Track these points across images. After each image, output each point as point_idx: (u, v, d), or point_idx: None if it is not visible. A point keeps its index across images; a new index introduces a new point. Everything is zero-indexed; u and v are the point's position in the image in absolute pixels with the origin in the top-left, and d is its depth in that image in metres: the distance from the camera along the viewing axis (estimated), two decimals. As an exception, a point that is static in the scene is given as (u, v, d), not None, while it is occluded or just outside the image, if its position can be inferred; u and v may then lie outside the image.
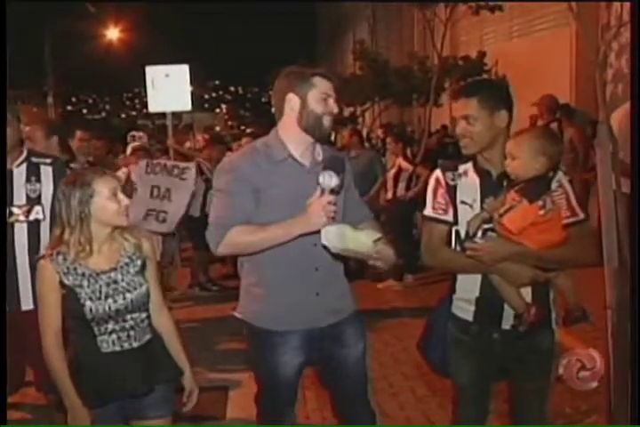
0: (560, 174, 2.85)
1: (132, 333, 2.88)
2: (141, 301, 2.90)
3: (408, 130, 15.07)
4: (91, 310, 2.79)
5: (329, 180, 2.75)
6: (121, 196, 2.86)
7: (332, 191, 2.77)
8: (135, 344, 2.88)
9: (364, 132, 15.26)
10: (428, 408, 4.53)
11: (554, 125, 7.68)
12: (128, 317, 2.87)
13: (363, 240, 2.76)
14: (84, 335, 2.84)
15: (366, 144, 12.77)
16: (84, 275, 2.81)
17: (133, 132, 10.59)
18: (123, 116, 68.94)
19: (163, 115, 9.38)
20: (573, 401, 4.13)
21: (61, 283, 2.79)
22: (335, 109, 2.97)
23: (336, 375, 3.17)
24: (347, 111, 18.85)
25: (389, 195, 8.29)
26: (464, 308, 2.98)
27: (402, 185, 8.22)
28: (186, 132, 9.35)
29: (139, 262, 2.93)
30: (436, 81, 11.39)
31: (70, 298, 2.79)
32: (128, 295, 2.86)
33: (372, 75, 14.85)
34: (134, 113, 73.41)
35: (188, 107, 8.90)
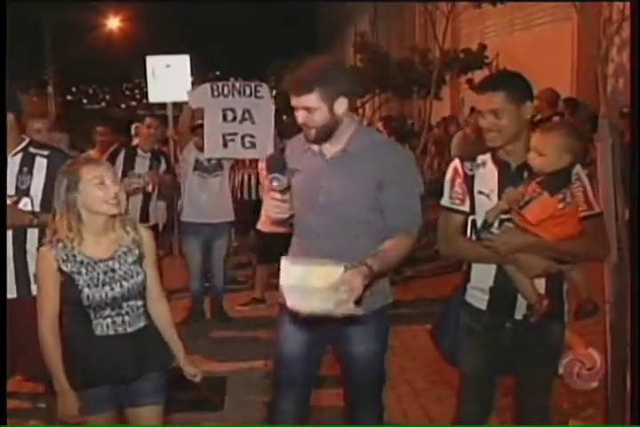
0: (578, 167, 2.86)
1: (126, 318, 2.95)
2: (137, 289, 2.96)
3: (408, 122, 15.04)
4: (88, 296, 2.86)
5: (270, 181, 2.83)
6: (109, 183, 2.88)
7: (275, 190, 2.84)
8: (129, 329, 2.96)
9: (364, 124, 15.21)
10: (426, 401, 4.55)
11: (557, 119, 7.66)
12: (124, 304, 2.94)
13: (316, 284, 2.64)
14: (79, 319, 2.91)
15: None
16: (82, 262, 2.88)
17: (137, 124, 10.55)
18: (122, 106, 68.78)
19: (163, 105, 9.35)
20: (569, 395, 4.14)
21: (60, 269, 2.86)
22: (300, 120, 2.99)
23: (344, 368, 3.19)
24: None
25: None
26: (478, 297, 3.01)
27: None
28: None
29: (136, 252, 2.99)
30: (437, 74, 11.37)
31: (68, 284, 2.86)
32: (125, 284, 2.92)
33: (373, 67, 14.80)
34: (134, 103, 73.22)
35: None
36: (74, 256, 2.87)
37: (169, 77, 8.58)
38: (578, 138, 2.84)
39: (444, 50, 11.48)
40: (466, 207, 2.98)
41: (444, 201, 3.05)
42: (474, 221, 2.97)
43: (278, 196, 2.84)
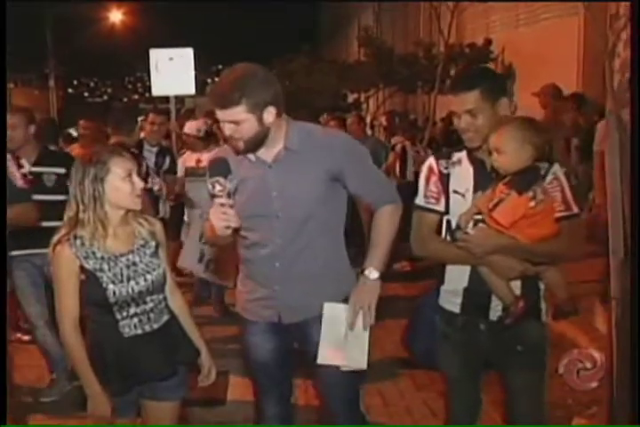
0: (556, 166, 2.81)
1: (151, 315, 2.89)
2: (160, 281, 2.92)
3: (411, 117, 15.03)
4: (114, 293, 2.78)
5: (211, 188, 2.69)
6: (136, 179, 2.82)
7: (217, 195, 2.70)
8: (155, 326, 2.90)
9: (368, 120, 15.21)
10: (429, 397, 4.56)
11: (568, 116, 7.62)
12: (148, 298, 2.87)
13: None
14: (104, 321, 2.82)
15: (369, 131, 12.76)
16: (103, 258, 2.79)
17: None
18: (125, 99, 68.68)
19: (165, 99, 9.36)
20: (573, 392, 4.15)
21: (81, 267, 2.76)
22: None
23: (317, 380, 3.23)
24: (351, 98, 18.81)
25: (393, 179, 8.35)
26: (451, 300, 2.97)
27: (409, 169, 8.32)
28: (188, 116, 9.30)
29: (153, 244, 2.94)
30: (442, 68, 11.36)
31: (91, 283, 2.77)
32: (148, 277, 2.87)
33: (377, 61, 14.80)
34: (136, 97, 73.09)
35: (192, 91, 8.90)
36: (93, 253, 2.77)
37: (172, 71, 8.57)
38: (535, 131, 2.75)
39: (448, 44, 11.45)
40: (440, 207, 2.93)
41: (419, 200, 3.00)
42: (449, 222, 2.92)
43: (224, 200, 2.66)
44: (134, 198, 2.82)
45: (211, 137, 6.84)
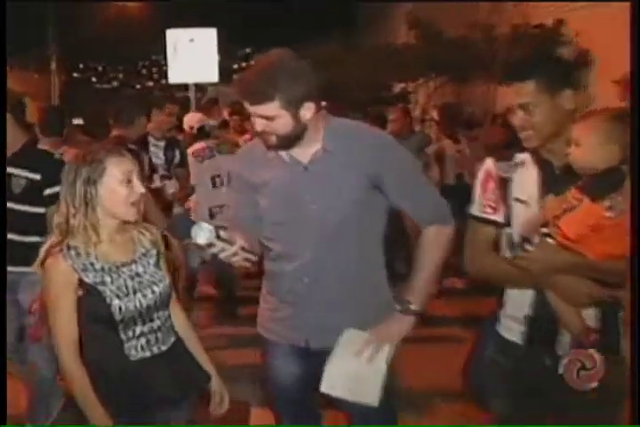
0: None
1: (159, 335, 2.91)
2: (167, 294, 2.95)
3: (467, 111, 14.94)
4: (120, 308, 2.78)
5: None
6: (136, 182, 2.83)
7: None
8: (164, 347, 2.93)
9: (417, 113, 15.15)
10: None
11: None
12: (155, 315, 2.89)
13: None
14: (108, 343, 2.83)
15: (418, 127, 12.70)
16: (103, 269, 2.79)
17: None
18: (137, 86, 69.22)
19: (184, 87, 9.34)
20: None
21: (80, 282, 2.75)
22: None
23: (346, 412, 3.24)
24: (397, 87, 18.74)
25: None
26: (511, 328, 2.90)
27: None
28: (209, 107, 9.28)
29: (154, 252, 2.97)
30: (504, 53, 11.26)
31: (92, 298, 2.76)
32: (155, 289, 2.89)
33: (427, 45, 14.74)
34: (151, 83, 73.54)
35: (215, 78, 8.86)
36: (92, 264, 2.77)
37: (192, 54, 8.53)
38: (626, 128, 2.59)
39: (512, 25, 11.35)
40: (499, 217, 2.86)
41: (474, 209, 2.94)
42: (509, 235, 2.85)
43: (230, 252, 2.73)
44: (128, 207, 2.81)
45: (202, 135, 7.13)
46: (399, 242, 6.74)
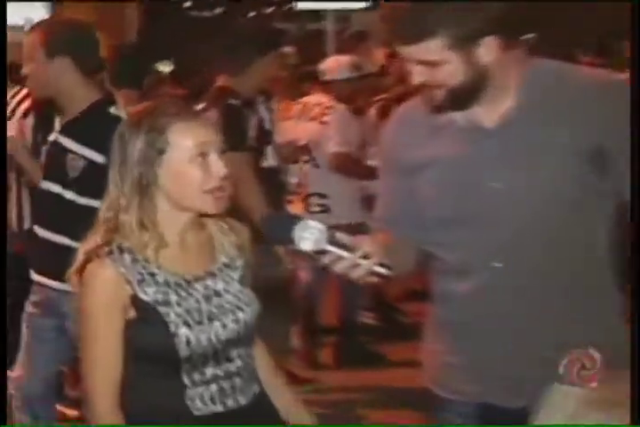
0: None
1: (237, 381, 2.10)
2: (253, 325, 2.16)
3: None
4: (188, 341, 1.98)
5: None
6: (214, 158, 2.02)
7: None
8: (243, 401, 2.11)
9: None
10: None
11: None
12: (234, 353, 2.11)
13: None
14: (164, 388, 2.06)
15: None
16: (168, 284, 2.02)
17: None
18: (251, 14, 68.75)
19: (316, 14, 8.15)
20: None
21: (134, 298, 1.98)
22: None
23: None
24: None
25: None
26: None
27: None
28: (354, 43, 7.17)
29: (238, 264, 2.20)
30: None
31: (149, 323, 2.00)
32: (240, 315, 2.11)
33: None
34: (269, 10, 72.84)
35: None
36: (152, 275, 2.00)
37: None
38: None
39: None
40: None
41: None
42: None
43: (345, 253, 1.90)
44: (204, 196, 2.02)
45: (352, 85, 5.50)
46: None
